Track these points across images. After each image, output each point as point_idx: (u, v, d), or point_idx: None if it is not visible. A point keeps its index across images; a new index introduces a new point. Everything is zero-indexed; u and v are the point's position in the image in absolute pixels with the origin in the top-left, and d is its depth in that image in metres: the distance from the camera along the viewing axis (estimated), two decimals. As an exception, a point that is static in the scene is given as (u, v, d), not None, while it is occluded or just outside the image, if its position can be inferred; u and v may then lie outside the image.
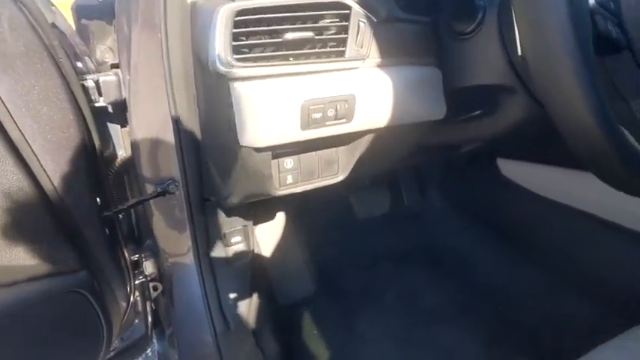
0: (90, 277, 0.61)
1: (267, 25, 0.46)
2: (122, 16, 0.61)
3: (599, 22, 0.40)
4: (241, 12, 0.44)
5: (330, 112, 0.50)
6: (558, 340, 0.69)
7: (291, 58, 0.48)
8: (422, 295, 1.02)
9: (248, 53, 0.47)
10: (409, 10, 0.56)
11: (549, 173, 0.88)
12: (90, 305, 0.62)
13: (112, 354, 0.76)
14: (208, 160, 0.61)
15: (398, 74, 0.54)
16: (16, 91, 0.48)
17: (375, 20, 0.51)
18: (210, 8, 0.46)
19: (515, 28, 0.44)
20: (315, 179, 0.59)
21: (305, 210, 0.99)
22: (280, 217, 0.95)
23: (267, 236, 0.93)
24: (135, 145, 0.68)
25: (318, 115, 0.49)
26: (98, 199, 0.65)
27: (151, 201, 0.70)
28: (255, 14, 0.45)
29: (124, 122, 0.71)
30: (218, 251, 0.77)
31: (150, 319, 0.86)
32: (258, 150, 0.51)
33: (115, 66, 0.66)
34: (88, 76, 0.60)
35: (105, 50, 0.65)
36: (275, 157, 0.54)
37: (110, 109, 0.67)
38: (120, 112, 0.68)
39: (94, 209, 0.64)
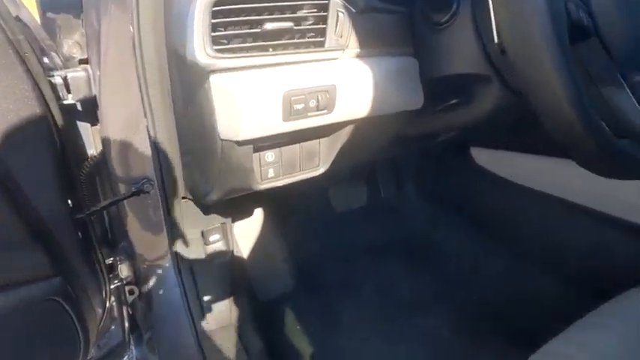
0: (64, 283, 0.59)
1: (246, 16, 0.45)
2: (91, 9, 0.58)
3: (571, 10, 0.41)
4: (219, 2, 0.43)
5: (312, 103, 0.49)
6: (533, 321, 0.72)
7: (271, 49, 0.48)
8: (399, 286, 1.04)
9: (227, 44, 0.46)
10: (386, 0, 0.56)
11: (521, 160, 0.91)
12: (65, 313, 0.59)
13: (89, 363, 0.73)
14: (186, 156, 0.60)
15: (377, 64, 0.54)
16: (-22, 87, 0.45)
17: (353, 10, 0.52)
18: (185, -2, 0.45)
19: (492, 17, 0.46)
20: (297, 172, 0.59)
21: (283, 205, 0.99)
22: (258, 214, 0.94)
23: (246, 233, 0.92)
24: (107, 144, 0.66)
25: (299, 106, 0.49)
26: (70, 201, 0.62)
27: (125, 201, 0.68)
28: (234, 4, 0.44)
29: (94, 120, 0.68)
30: (196, 250, 0.76)
31: (127, 324, 0.84)
32: (240, 143, 0.50)
33: (83, 61, 0.63)
34: (56, 73, 0.58)
35: (72, 45, 0.62)
36: (256, 150, 0.54)
37: (79, 107, 0.64)
38: (90, 109, 0.65)
39: (65, 212, 0.61)
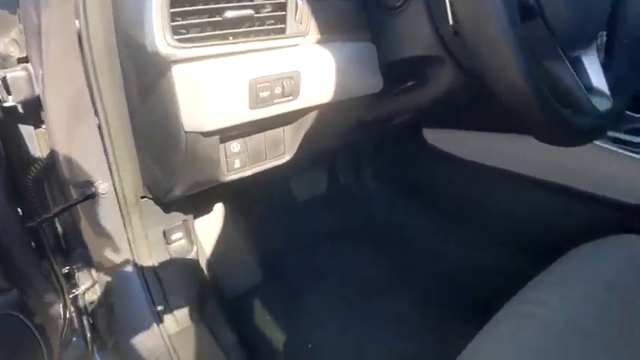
0: (21, 296, 0.55)
1: (205, 4, 0.44)
2: (28, 4, 0.54)
3: None
4: None
5: (278, 90, 0.49)
6: (491, 292, 0.76)
7: (231, 38, 0.47)
8: (361, 270, 1.07)
9: (186, 34, 0.45)
10: None
11: (472, 138, 0.96)
12: (25, 327, 0.55)
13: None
14: (144, 152, 0.58)
15: (337, 50, 0.55)
16: None
17: None
18: (139, -15, 0.43)
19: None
20: (263, 161, 0.59)
21: (244, 197, 0.98)
22: (220, 208, 0.93)
23: (209, 229, 0.91)
24: (54, 146, 0.62)
25: (265, 94, 0.48)
26: (19, 210, 0.58)
27: (79, 206, 0.64)
28: None
29: (38, 122, 0.64)
30: (159, 250, 0.74)
31: (89, 334, 0.80)
32: (206, 134, 0.49)
33: (22, 60, 0.58)
34: (-7, 73, 0.53)
35: (9, 43, 0.57)
36: (221, 141, 0.53)
37: (21, 109, 0.60)
38: (33, 110, 0.61)
39: (15, 221, 0.57)
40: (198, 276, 0.80)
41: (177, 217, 0.74)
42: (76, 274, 0.73)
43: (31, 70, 0.58)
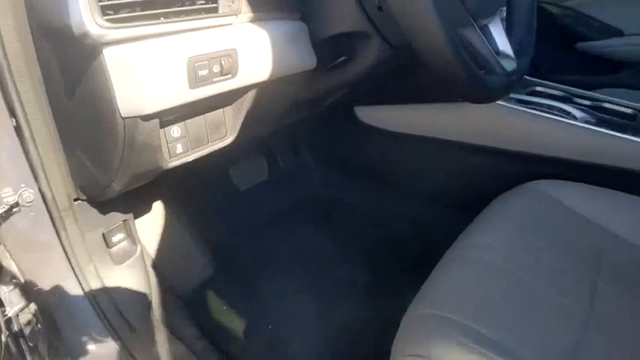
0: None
1: (133, -17, 0.43)
2: None
3: None
4: None
5: (216, 68, 0.49)
6: (428, 245, 0.83)
7: (162, 17, 0.46)
8: (308, 247, 1.11)
9: (114, 15, 0.43)
10: None
11: (398, 111, 1.03)
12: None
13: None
14: (74, 150, 0.55)
15: (271, 28, 0.56)
16: None
17: None
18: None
19: None
20: (205, 144, 0.58)
21: (183, 191, 0.96)
22: (159, 205, 0.90)
23: (150, 227, 0.88)
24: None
25: (204, 72, 0.48)
26: None
27: (1, 220, 0.59)
28: None
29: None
30: (100, 255, 0.70)
31: (29, 357, 0.74)
32: (145, 118, 0.47)
33: None
34: None
35: None
36: (161, 126, 0.51)
37: None
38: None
39: None
40: (146, 276, 0.77)
41: (116, 217, 0.71)
42: (6, 294, 0.67)
43: None
